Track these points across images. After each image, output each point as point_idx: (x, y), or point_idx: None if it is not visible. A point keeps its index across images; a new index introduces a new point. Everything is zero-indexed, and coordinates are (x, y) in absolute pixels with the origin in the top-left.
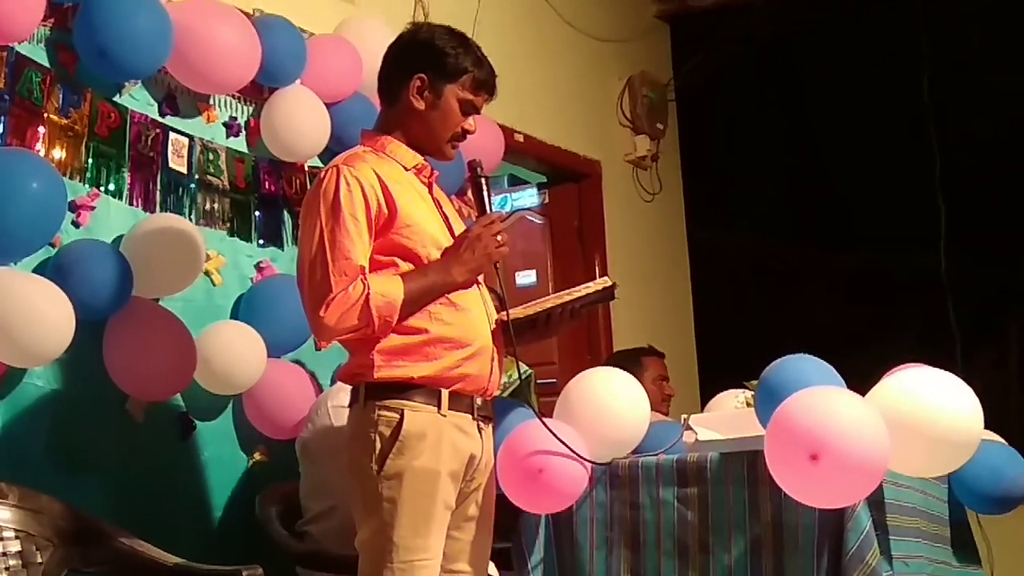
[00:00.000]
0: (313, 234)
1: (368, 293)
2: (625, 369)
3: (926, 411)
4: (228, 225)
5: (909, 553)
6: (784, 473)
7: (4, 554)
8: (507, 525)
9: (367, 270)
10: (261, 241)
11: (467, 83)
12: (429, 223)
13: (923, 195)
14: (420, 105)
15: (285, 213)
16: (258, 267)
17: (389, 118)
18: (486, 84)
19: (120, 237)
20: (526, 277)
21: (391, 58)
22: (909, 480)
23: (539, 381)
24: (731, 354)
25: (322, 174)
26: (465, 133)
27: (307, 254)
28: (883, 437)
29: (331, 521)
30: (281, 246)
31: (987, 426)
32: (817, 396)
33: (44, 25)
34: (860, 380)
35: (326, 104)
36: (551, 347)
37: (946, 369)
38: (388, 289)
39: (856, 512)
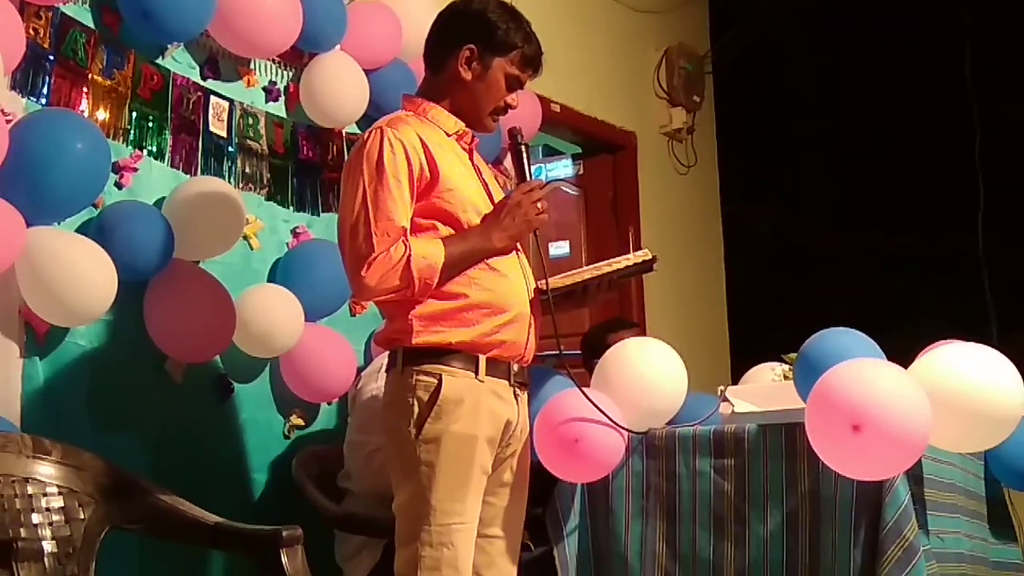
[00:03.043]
0: (356, 194)
1: (410, 255)
2: (595, 349)
3: (968, 386)
4: (266, 189)
5: (946, 528)
6: (824, 443)
7: (47, 509)
8: (543, 493)
9: (408, 232)
10: (298, 206)
11: (515, 58)
12: (470, 188)
13: (962, 172)
14: (467, 75)
15: (322, 178)
16: (294, 232)
17: (434, 85)
18: (533, 61)
19: (162, 199)
20: (559, 248)
21: (441, 26)
22: (947, 455)
23: (569, 352)
24: (763, 329)
25: (365, 135)
26: (508, 107)
27: (349, 214)
28: (925, 409)
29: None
30: (317, 211)
31: None
32: (860, 367)
33: None
34: (894, 357)
35: (365, 70)
36: (583, 318)
37: None
38: (429, 252)
39: (895, 486)
